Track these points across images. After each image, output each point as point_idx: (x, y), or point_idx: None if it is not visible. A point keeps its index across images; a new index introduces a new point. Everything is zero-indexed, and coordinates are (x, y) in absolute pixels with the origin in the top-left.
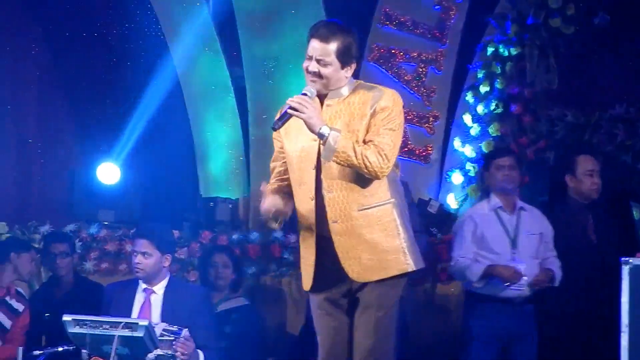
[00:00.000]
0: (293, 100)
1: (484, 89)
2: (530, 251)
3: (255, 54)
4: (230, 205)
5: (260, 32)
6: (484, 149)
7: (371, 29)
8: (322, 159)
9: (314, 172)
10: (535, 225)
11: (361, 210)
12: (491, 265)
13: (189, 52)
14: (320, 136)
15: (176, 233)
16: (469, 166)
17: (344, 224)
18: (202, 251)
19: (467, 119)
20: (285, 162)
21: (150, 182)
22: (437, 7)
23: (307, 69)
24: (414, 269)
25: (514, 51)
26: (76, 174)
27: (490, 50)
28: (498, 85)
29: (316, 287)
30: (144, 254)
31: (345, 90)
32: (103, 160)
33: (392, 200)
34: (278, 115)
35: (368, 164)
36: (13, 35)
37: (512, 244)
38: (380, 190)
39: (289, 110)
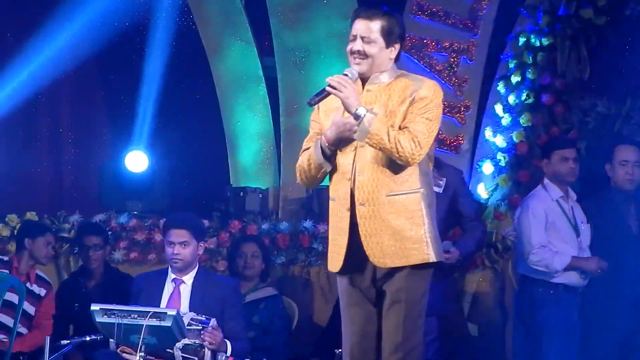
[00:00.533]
0: (333, 79)
1: (515, 79)
2: (587, 240)
3: (286, 44)
4: (260, 195)
5: (291, 22)
6: (515, 139)
7: (403, 18)
8: (356, 140)
9: (353, 153)
10: (584, 215)
11: (389, 195)
12: (575, 257)
13: (221, 41)
14: (356, 117)
15: (205, 223)
16: (499, 156)
17: (371, 208)
18: (231, 241)
19: (499, 109)
20: None
21: (180, 171)
22: None
23: (351, 50)
24: (435, 260)
25: (545, 41)
26: (106, 163)
27: (521, 40)
28: (529, 76)
29: (344, 272)
30: (182, 243)
31: (386, 77)
32: (133, 149)
33: (422, 190)
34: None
35: (400, 148)
36: (46, 26)
37: (576, 233)
38: (411, 179)
39: (328, 88)
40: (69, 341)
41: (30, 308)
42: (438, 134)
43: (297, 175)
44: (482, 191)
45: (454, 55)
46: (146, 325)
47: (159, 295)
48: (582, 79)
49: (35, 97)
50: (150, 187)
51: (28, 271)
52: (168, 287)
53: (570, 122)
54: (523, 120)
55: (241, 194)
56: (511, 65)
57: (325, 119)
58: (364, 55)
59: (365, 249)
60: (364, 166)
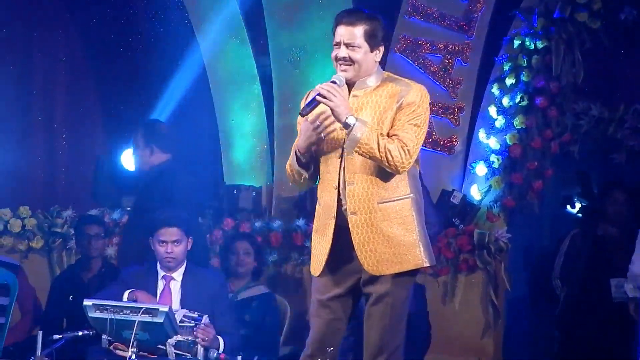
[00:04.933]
0: (322, 87)
1: (509, 81)
2: None
3: (282, 43)
4: (253, 193)
5: (287, 21)
6: (509, 142)
7: (398, 19)
8: (345, 149)
9: (338, 161)
10: None
11: (381, 203)
12: None
13: (216, 40)
14: (346, 126)
15: (198, 220)
16: (493, 158)
17: (364, 216)
18: (224, 238)
19: (492, 111)
20: None
21: (173, 169)
22: None
23: (336, 57)
24: (428, 264)
25: (540, 44)
26: (100, 160)
27: (516, 43)
28: (524, 78)
29: (325, 276)
30: (175, 242)
31: (372, 81)
32: (127, 147)
33: (411, 195)
34: (304, 101)
35: (390, 157)
36: (42, 23)
37: None
38: (401, 185)
39: (318, 97)
40: (61, 336)
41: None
42: (431, 134)
43: (288, 178)
44: (475, 193)
45: (449, 56)
46: (138, 321)
47: (154, 292)
48: (576, 82)
49: (29, 92)
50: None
51: None
52: (159, 284)
53: (564, 126)
54: (517, 122)
55: (234, 191)
56: (506, 68)
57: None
58: (349, 61)
59: (358, 257)
60: (353, 175)
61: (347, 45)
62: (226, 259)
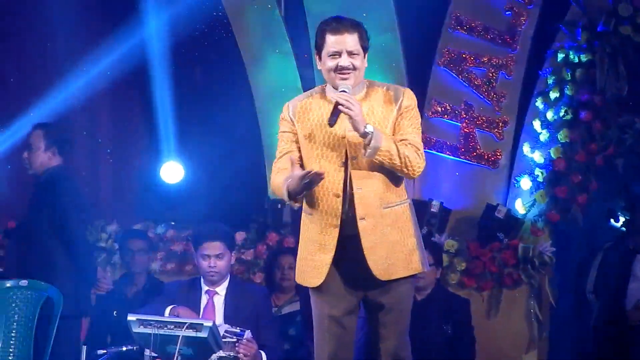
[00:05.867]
0: (341, 97)
1: (553, 95)
2: None
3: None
4: (297, 208)
5: None
6: (553, 155)
7: (442, 33)
8: (364, 156)
9: (341, 169)
10: None
11: (386, 207)
12: None
13: (259, 53)
14: (365, 135)
15: (242, 234)
16: (537, 172)
17: (372, 221)
18: (268, 253)
19: (537, 124)
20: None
21: (218, 182)
22: (508, 12)
23: (338, 67)
24: (423, 269)
25: (584, 58)
26: (145, 173)
27: (560, 56)
28: (568, 92)
29: (334, 290)
30: (218, 256)
31: (361, 88)
32: (168, 160)
33: (408, 200)
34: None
35: (409, 162)
36: (86, 36)
37: None
38: (401, 189)
39: (340, 107)
40: (105, 351)
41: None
42: (476, 148)
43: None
44: (519, 207)
45: (493, 70)
46: (182, 336)
47: (197, 307)
48: (620, 95)
49: (74, 108)
50: (188, 198)
51: None
52: (202, 299)
53: (608, 139)
54: (561, 136)
55: (279, 206)
56: (550, 81)
57: (302, 131)
58: (352, 69)
59: (368, 262)
60: (361, 180)
61: (349, 54)
62: (270, 273)
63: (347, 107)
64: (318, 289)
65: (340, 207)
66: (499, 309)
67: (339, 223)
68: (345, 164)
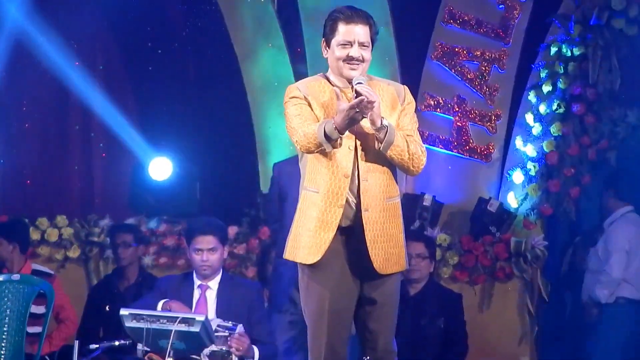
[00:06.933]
0: (363, 89)
1: (546, 88)
2: None
3: (319, 51)
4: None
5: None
6: (545, 149)
7: (435, 27)
8: (378, 149)
9: (351, 152)
10: None
11: (388, 201)
12: None
13: (252, 47)
14: (380, 128)
15: (235, 229)
16: (530, 165)
17: (374, 213)
18: (261, 247)
19: (529, 118)
20: None
21: (210, 177)
22: (501, 6)
23: (348, 56)
24: (406, 268)
25: (576, 51)
26: (137, 168)
27: (553, 50)
28: (560, 85)
29: (337, 287)
30: (210, 250)
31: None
32: (162, 154)
33: (399, 195)
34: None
35: (415, 159)
36: (79, 32)
37: None
38: (397, 184)
39: (361, 98)
40: (98, 345)
41: (38, 308)
42: (468, 142)
43: (301, 146)
44: (512, 200)
45: (485, 64)
46: (175, 331)
47: (189, 301)
48: (613, 89)
49: (66, 101)
50: (180, 193)
51: (20, 268)
52: (195, 293)
53: (601, 132)
54: (554, 129)
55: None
56: (542, 75)
57: (317, 108)
58: (361, 60)
59: (370, 255)
60: (368, 171)
61: (361, 45)
62: (263, 267)
63: (368, 100)
64: (315, 275)
65: (347, 188)
66: (491, 302)
67: (344, 203)
68: (355, 153)
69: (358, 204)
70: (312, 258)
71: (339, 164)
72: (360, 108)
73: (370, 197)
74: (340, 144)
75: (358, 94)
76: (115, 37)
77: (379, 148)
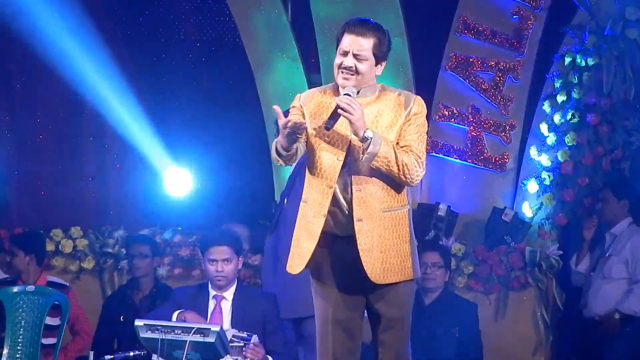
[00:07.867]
0: (342, 101)
1: (560, 98)
2: None
3: (332, 60)
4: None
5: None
6: (560, 159)
7: (449, 37)
8: (360, 160)
9: (339, 164)
10: None
11: (386, 211)
12: None
13: (266, 58)
14: (364, 140)
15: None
16: (544, 175)
17: (368, 223)
18: None
19: (544, 128)
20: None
21: (225, 187)
22: (515, 16)
23: (340, 65)
24: (414, 277)
25: (591, 61)
26: (151, 179)
27: (567, 60)
28: (575, 95)
29: (338, 294)
30: (225, 260)
31: (370, 92)
32: (177, 165)
33: (408, 206)
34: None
35: (407, 171)
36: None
37: None
38: (402, 194)
39: (340, 111)
40: (112, 356)
41: (53, 320)
42: (483, 152)
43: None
44: (526, 210)
45: (500, 74)
46: (190, 341)
47: (205, 312)
48: (627, 99)
49: (80, 113)
50: (195, 204)
51: (36, 279)
52: (210, 304)
53: (615, 142)
54: (568, 139)
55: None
56: (557, 85)
57: (310, 118)
58: (354, 71)
59: (364, 265)
60: (361, 180)
61: (355, 56)
62: None
63: (347, 111)
64: (318, 284)
65: (328, 199)
66: (506, 312)
67: (326, 213)
68: (345, 162)
69: (351, 214)
70: (296, 269)
71: (324, 175)
72: (293, 129)
73: (364, 207)
74: (295, 160)
75: (337, 106)
76: (129, 48)
77: (361, 159)
